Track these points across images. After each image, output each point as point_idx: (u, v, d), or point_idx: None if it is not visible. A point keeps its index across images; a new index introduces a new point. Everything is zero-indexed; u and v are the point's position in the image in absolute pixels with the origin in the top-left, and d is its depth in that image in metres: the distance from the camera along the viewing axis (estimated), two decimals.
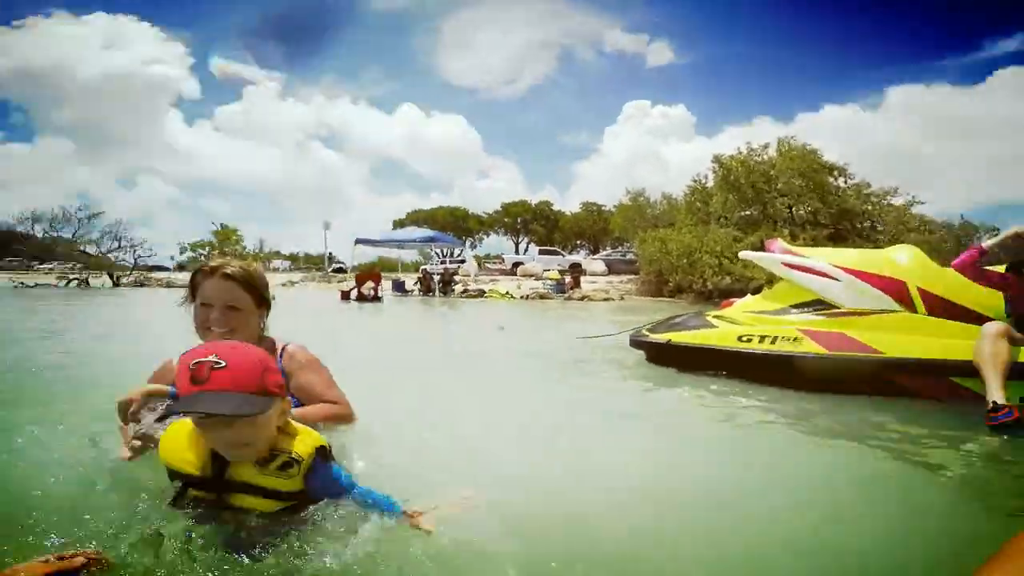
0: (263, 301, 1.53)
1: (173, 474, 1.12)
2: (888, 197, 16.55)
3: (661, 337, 3.56)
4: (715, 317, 3.56)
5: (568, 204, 49.17)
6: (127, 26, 56.69)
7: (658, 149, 56.03)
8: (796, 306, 3.22)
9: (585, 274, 22.81)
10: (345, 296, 13.12)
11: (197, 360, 1.01)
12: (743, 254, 3.84)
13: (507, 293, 15.11)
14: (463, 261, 19.15)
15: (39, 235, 25.62)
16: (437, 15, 77.07)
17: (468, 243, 47.80)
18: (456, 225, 45.30)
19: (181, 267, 30.99)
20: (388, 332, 7.76)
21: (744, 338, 3.12)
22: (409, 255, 28.25)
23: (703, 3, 68.63)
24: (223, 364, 1.01)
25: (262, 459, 1.07)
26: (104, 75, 54.82)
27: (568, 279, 17.63)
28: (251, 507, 1.09)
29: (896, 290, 2.85)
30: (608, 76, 68.00)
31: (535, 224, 46.11)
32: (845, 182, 17.04)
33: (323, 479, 1.11)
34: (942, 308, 2.75)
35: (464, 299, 14.53)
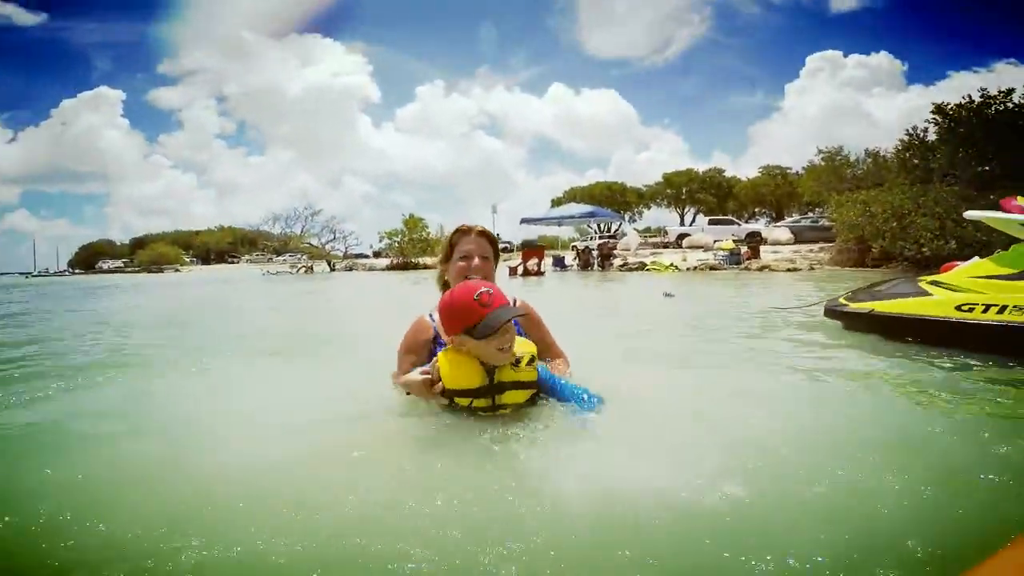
0: (497, 255, 1.92)
1: (454, 395, 1.47)
2: None
3: (863, 307, 3.24)
4: (930, 283, 3.12)
5: (743, 170, 44.52)
6: (314, 43, 67.01)
7: (860, 103, 47.23)
8: None
9: (766, 243, 20.62)
10: (513, 272, 13.98)
11: (478, 292, 1.43)
12: (968, 214, 3.23)
13: (671, 265, 14.45)
14: (613, 236, 18.83)
15: (277, 232, 31.83)
16: None
17: (627, 217, 46.74)
18: (613, 200, 44.47)
19: (377, 254, 35.98)
20: (560, 301, 8.12)
21: (966, 307, 2.74)
22: (568, 232, 28.75)
23: None
24: (492, 291, 1.45)
25: (514, 361, 1.46)
26: (305, 89, 65.79)
27: (745, 249, 16.25)
28: (513, 401, 1.50)
29: None
30: (781, 29, 59.27)
31: (703, 194, 42.80)
32: None
33: (542, 370, 1.54)
34: None
35: (623, 272, 14.33)
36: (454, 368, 1.45)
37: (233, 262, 42.17)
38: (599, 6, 68.25)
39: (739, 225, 25.42)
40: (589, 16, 70.17)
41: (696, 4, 66.08)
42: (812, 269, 12.82)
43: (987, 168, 13.82)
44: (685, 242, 23.36)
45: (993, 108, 14.11)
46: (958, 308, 2.77)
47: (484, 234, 1.84)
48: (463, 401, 1.47)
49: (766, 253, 16.82)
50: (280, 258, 31.56)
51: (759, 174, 40.73)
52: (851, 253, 13.04)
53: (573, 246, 19.10)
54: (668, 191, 45.16)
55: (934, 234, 10.65)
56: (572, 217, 18.14)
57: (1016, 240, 2.92)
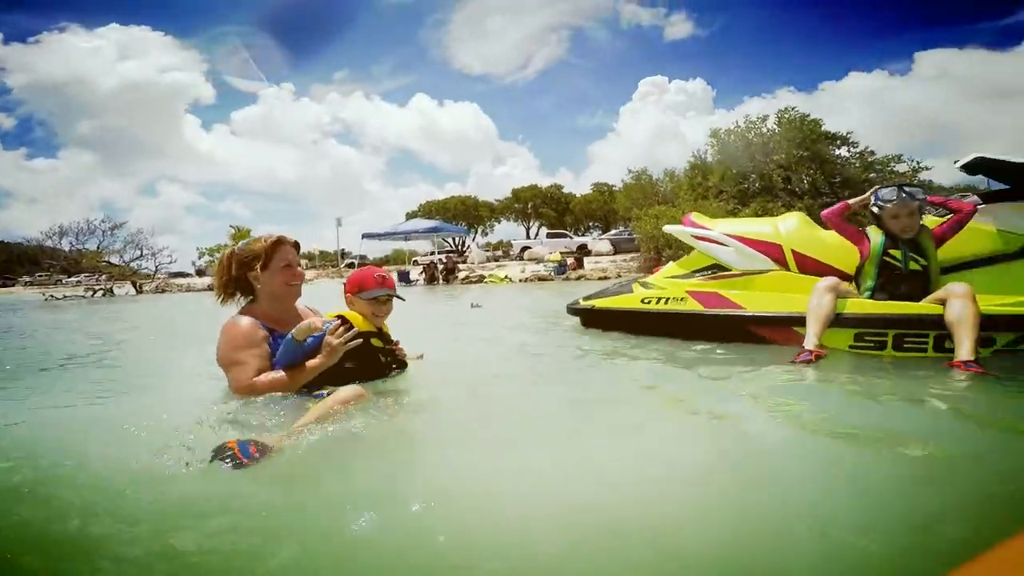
0: None
1: (369, 335, 1.94)
2: (892, 164, 16.25)
3: (588, 304, 3.92)
4: (639, 283, 3.85)
5: (582, 186, 48.97)
6: (140, 36, 58.18)
7: (677, 125, 55.19)
8: (699, 270, 3.53)
9: (590, 254, 23.00)
10: None
11: (379, 274, 2.02)
12: (667, 228, 4.09)
13: (506, 277, 15.43)
14: (455, 251, 19.36)
15: (66, 248, 26.74)
16: (447, 5, 76.49)
17: (480, 231, 48.36)
18: (467, 213, 45.71)
19: (201, 272, 32.02)
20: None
21: (646, 300, 3.48)
22: (422, 246, 28.87)
23: None
24: (387, 276, 2.05)
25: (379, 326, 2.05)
26: (122, 85, 56.49)
27: (571, 260, 17.89)
28: (387, 343, 2.05)
29: (774, 253, 3.17)
30: (623, 54, 67.02)
31: (545, 208, 46.12)
32: (848, 151, 16.78)
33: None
34: (812, 267, 3.05)
35: (465, 285, 14.92)
36: (361, 320, 1.94)
37: (8, 285, 34.02)
38: (472, 23, 70.03)
39: (571, 238, 28.00)
40: (461, 32, 71.74)
41: (556, 26, 71.16)
42: (619, 276, 14.73)
43: (747, 185, 17.16)
44: (526, 254, 25.05)
45: (752, 133, 17.48)
46: (643, 301, 3.49)
47: (298, 245, 2.08)
48: (376, 342, 1.97)
49: (590, 263, 18.85)
50: (73, 279, 26.43)
51: (591, 191, 45.08)
52: (651, 261, 15.31)
53: (415, 260, 19.19)
54: (516, 205, 47.79)
55: None
56: (416, 232, 18.28)
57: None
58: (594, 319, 3.85)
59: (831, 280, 2.68)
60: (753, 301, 3.06)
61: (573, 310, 4.10)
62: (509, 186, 49.58)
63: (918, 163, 16.22)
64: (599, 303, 3.81)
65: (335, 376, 1.79)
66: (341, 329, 1.82)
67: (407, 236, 19.34)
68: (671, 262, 4.10)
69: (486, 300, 8.31)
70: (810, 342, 2.50)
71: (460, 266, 18.55)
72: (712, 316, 3.13)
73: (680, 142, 56.07)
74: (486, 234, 49.09)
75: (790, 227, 3.24)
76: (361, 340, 1.86)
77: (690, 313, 3.23)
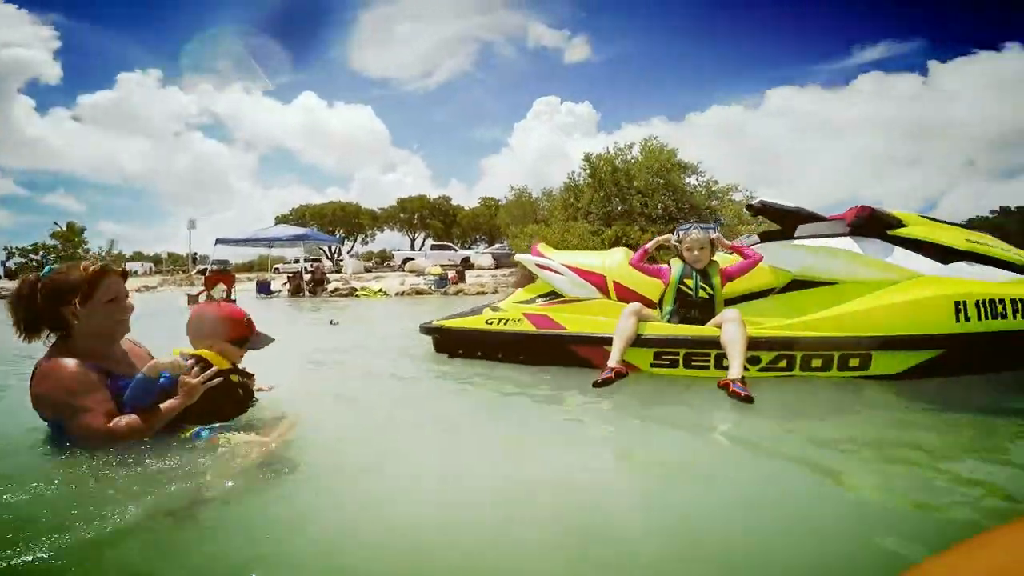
0: None
1: (230, 372, 1.89)
2: (730, 193, 18.63)
3: (438, 324, 3.93)
4: (490, 308, 3.92)
5: (473, 199, 49.28)
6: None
7: (564, 145, 57.98)
8: (541, 296, 3.73)
9: (472, 268, 23.17)
10: (193, 300, 12.15)
11: (247, 317, 2.01)
12: (518, 257, 4.26)
13: (380, 291, 14.88)
14: (318, 260, 18.27)
15: None
16: (355, 4, 72.57)
17: (360, 239, 46.42)
18: (347, 220, 43.67)
19: (12, 274, 26.74)
20: None
21: (489, 322, 3.59)
22: (292, 254, 26.79)
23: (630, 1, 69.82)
24: (249, 318, 2.02)
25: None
26: None
27: (452, 274, 17.82)
28: (245, 376, 1.99)
29: (599, 283, 3.47)
30: (525, 72, 69.12)
31: (433, 219, 45.74)
32: (696, 180, 18.91)
33: None
34: (628, 296, 3.36)
35: (334, 298, 14.09)
36: (219, 358, 1.86)
37: None
38: (380, 26, 67.13)
39: (456, 251, 28.05)
40: (368, 34, 68.40)
41: (466, 39, 70.99)
42: (496, 291, 15.00)
43: (612, 208, 18.53)
44: (408, 266, 24.51)
45: (619, 159, 18.86)
46: (486, 323, 3.59)
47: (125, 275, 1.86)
48: (235, 377, 1.91)
49: (471, 277, 18.95)
50: None
51: (478, 204, 45.68)
52: (525, 278, 15.80)
53: (276, 269, 17.75)
54: (402, 215, 46.74)
55: None
56: (280, 239, 16.89)
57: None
58: (443, 339, 3.89)
59: (635, 305, 2.98)
60: (575, 323, 3.29)
61: (425, 329, 4.08)
62: (397, 194, 48.36)
63: (751, 193, 18.74)
64: (448, 323, 3.86)
65: (198, 416, 1.75)
66: (197, 368, 1.75)
67: (270, 243, 17.82)
68: (519, 288, 4.24)
69: (354, 315, 7.90)
70: (613, 360, 2.74)
71: (330, 277, 17.49)
72: (540, 336, 3.32)
73: (565, 162, 59.24)
74: (366, 243, 47.34)
75: (614, 261, 3.55)
76: (221, 378, 1.80)
77: (523, 333, 3.39)
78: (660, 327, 2.98)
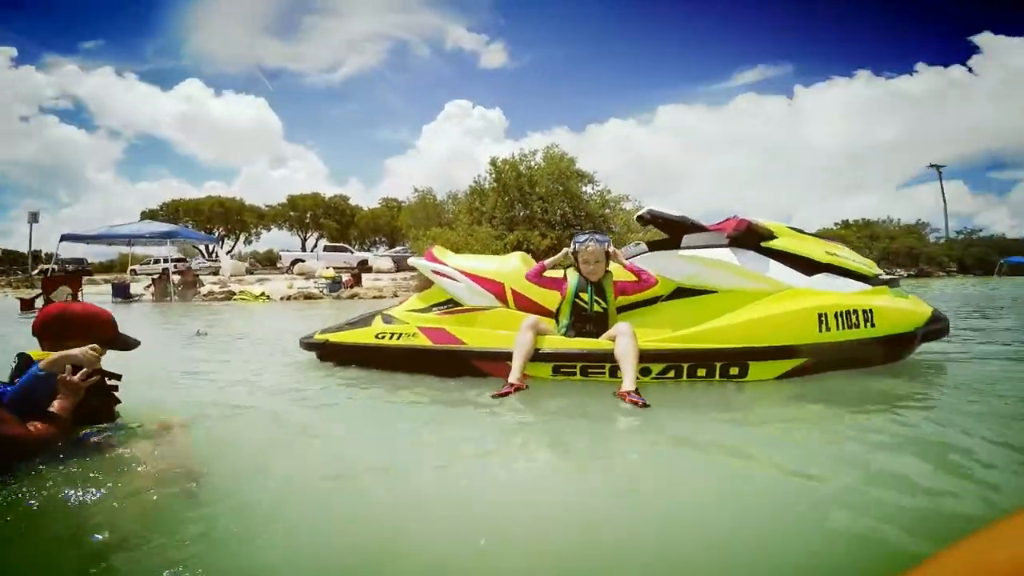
0: None
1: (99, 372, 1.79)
2: (622, 202, 19.80)
3: (322, 337, 3.57)
4: (380, 316, 3.65)
5: (374, 200, 46.80)
6: None
7: (472, 150, 57.27)
8: (437, 305, 3.51)
9: (371, 271, 22.18)
10: (27, 306, 10.20)
11: (111, 316, 1.94)
12: (411, 261, 4.02)
13: (263, 294, 13.62)
14: (184, 259, 16.56)
15: None
16: None
17: (242, 238, 42.56)
18: (227, 217, 39.81)
19: None
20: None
21: (380, 335, 3.34)
22: (163, 252, 23.69)
23: (549, 8, 71.51)
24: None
25: None
26: None
27: (347, 277, 16.92)
28: (114, 377, 1.89)
29: (498, 291, 3.34)
30: (438, 75, 67.57)
31: (327, 219, 43.21)
32: (592, 188, 19.82)
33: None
34: (527, 305, 3.29)
35: (208, 303, 12.63)
36: (89, 355, 1.71)
37: None
38: (285, 17, 61.14)
39: (352, 253, 26.69)
40: (269, 22, 61.90)
41: (377, 36, 67.13)
42: (395, 295, 14.46)
43: (515, 213, 18.78)
44: (296, 268, 22.82)
45: (524, 165, 19.04)
46: (376, 336, 3.33)
47: None
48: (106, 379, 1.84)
49: (369, 280, 18.09)
50: None
51: (379, 205, 43.95)
52: (426, 282, 15.45)
53: (133, 270, 15.59)
54: (292, 213, 43.59)
55: None
56: (141, 236, 14.77)
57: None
58: (328, 354, 3.56)
59: (532, 319, 2.92)
60: (474, 337, 3.15)
61: (307, 344, 3.70)
62: (288, 191, 44.89)
63: (639, 203, 20.05)
64: (333, 337, 3.53)
65: (81, 417, 1.72)
66: (70, 367, 1.68)
67: (130, 241, 15.57)
68: (414, 294, 3.98)
69: (229, 323, 7.04)
70: (514, 376, 2.71)
71: (204, 279, 15.70)
72: (438, 352, 3.16)
73: (473, 166, 59.11)
74: (249, 242, 43.52)
75: (511, 267, 3.42)
76: (98, 377, 1.77)
77: (419, 349, 3.21)
78: (557, 341, 2.96)
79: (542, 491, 1.61)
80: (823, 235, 3.67)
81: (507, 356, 2.85)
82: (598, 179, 19.58)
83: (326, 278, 16.05)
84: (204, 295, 13.65)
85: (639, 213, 3.29)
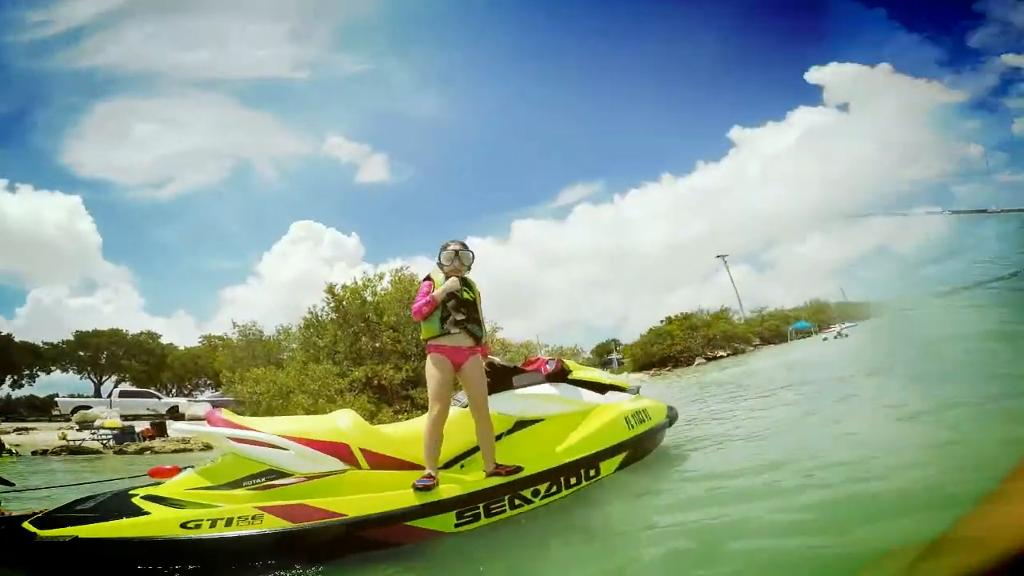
0: None
1: None
2: None
3: (64, 534, 2.45)
4: (144, 498, 2.74)
5: (213, 333, 38.74)
6: None
7: (325, 274, 52.40)
8: (249, 478, 2.83)
9: (182, 418, 18.54)
10: None
11: None
12: (175, 427, 3.45)
13: (11, 448, 10.46)
14: None
15: None
16: (91, 91, 56.05)
17: (12, 381, 33.36)
18: None
19: None
20: None
21: (191, 524, 2.55)
22: None
23: (439, 124, 71.85)
24: None
25: None
26: None
27: (146, 426, 14.09)
28: None
29: (342, 452, 2.94)
30: (279, 193, 62.86)
31: (130, 360, 36.23)
32: None
33: None
34: (381, 462, 3.01)
35: None
36: None
37: None
38: (111, 122, 54.05)
39: (160, 399, 22.33)
40: (92, 127, 53.91)
41: (218, 153, 62.07)
42: (209, 448, 12.10)
43: (361, 346, 15.72)
44: (77, 416, 18.28)
45: (368, 291, 16.39)
46: (183, 526, 2.52)
47: None
48: None
49: (180, 429, 14.99)
50: None
51: (199, 343, 38.17)
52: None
53: None
54: (81, 353, 35.86)
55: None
56: None
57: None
58: (76, 560, 2.42)
59: (438, 413, 3.03)
60: (353, 505, 2.77)
61: (32, 544, 2.44)
62: (100, 321, 36.75)
63: (494, 323, 19.33)
64: (89, 532, 2.45)
65: None
66: None
67: None
68: (186, 470, 3.02)
69: None
70: (432, 468, 2.96)
71: None
72: (313, 530, 2.63)
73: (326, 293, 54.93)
74: (20, 387, 34.23)
75: (351, 424, 3.08)
76: None
77: (278, 532, 2.58)
78: (457, 486, 3.02)
79: None
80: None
81: (408, 515, 2.80)
82: None
83: (111, 428, 13.07)
84: None
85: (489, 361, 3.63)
